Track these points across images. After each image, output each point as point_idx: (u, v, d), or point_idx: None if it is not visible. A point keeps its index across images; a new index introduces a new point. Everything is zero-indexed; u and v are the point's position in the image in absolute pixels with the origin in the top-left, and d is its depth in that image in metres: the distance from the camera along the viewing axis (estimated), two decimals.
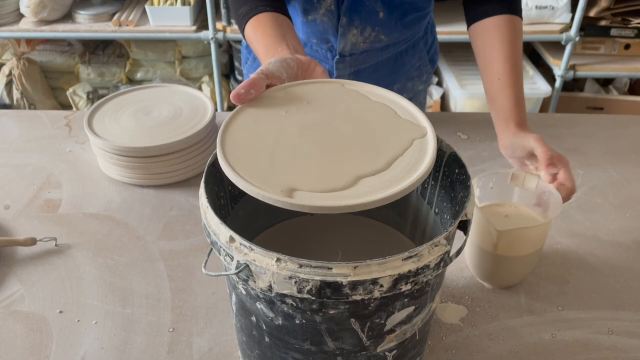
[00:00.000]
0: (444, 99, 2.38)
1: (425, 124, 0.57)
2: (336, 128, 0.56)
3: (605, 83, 2.42)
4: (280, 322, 0.52)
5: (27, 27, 2.19)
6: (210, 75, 2.43)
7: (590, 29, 2.10)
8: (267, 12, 0.80)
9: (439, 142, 0.61)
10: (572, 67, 2.12)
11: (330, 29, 0.97)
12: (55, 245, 0.85)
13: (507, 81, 0.85)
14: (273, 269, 0.46)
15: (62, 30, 2.19)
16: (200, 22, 2.21)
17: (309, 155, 0.52)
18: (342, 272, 0.45)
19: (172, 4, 2.16)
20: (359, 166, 0.52)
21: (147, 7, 2.14)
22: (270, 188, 0.49)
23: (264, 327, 0.54)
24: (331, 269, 0.45)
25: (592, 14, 2.07)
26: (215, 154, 0.59)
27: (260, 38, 0.77)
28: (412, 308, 0.52)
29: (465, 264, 0.81)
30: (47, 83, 2.52)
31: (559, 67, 2.11)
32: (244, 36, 0.84)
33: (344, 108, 0.59)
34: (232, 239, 0.48)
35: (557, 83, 2.14)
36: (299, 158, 0.52)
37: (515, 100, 0.85)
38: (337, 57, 1.01)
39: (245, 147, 0.53)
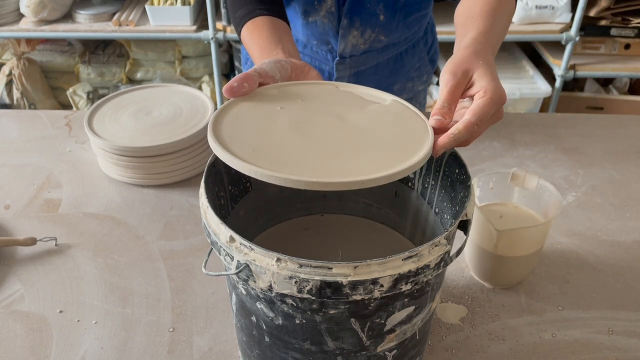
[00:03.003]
0: None
1: (421, 117, 0.58)
2: (331, 122, 0.56)
3: (605, 83, 2.42)
4: (280, 322, 0.52)
5: (27, 27, 2.19)
6: (210, 75, 2.43)
7: (590, 28, 2.10)
8: (265, 16, 0.80)
9: None
10: (572, 67, 2.12)
11: (331, 30, 0.97)
12: (55, 245, 0.85)
13: (481, 14, 0.68)
14: (273, 269, 0.46)
15: (62, 30, 2.19)
16: (200, 22, 2.21)
17: (303, 146, 0.52)
18: (342, 272, 0.45)
19: (172, 4, 2.16)
20: (355, 154, 0.51)
21: (147, 7, 2.14)
22: (269, 167, 0.48)
23: (264, 327, 0.54)
24: (331, 268, 0.45)
25: (592, 13, 2.07)
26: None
27: (256, 41, 0.77)
28: (412, 308, 0.52)
29: (465, 264, 0.81)
30: (47, 83, 2.52)
31: (559, 67, 2.11)
32: (240, 39, 0.84)
33: (339, 105, 0.59)
34: (232, 239, 0.48)
35: (557, 83, 2.14)
36: (294, 148, 0.52)
37: (485, 27, 0.66)
38: (337, 58, 1.01)
39: (239, 135, 0.53)
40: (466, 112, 0.55)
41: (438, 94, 0.59)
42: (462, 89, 0.58)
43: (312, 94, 0.61)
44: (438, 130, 0.55)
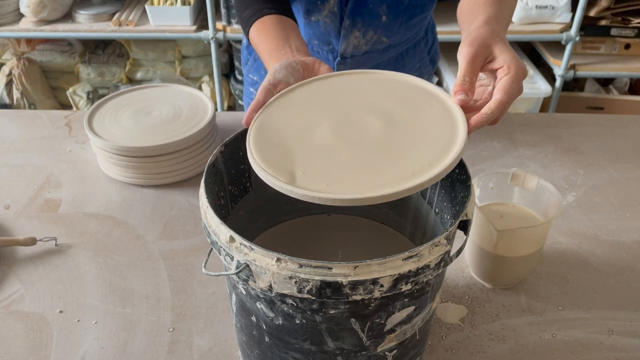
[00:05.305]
0: None
1: (446, 98, 0.57)
2: (362, 120, 0.56)
3: (605, 83, 2.42)
4: (280, 322, 0.52)
5: (27, 27, 2.19)
6: (210, 75, 2.43)
7: (590, 28, 2.10)
8: (272, 15, 0.81)
9: None
10: (573, 67, 2.12)
11: (333, 30, 0.97)
12: (55, 245, 0.85)
13: (487, 1, 0.69)
14: (273, 269, 0.46)
15: (62, 30, 2.19)
16: (200, 21, 2.21)
17: (346, 156, 0.52)
18: (342, 272, 0.45)
19: (172, 4, 2.16)
20: (397, 155, 0.52)
21: (147, 6, 2.14)
22: (312, 187, 0.49)
23: (264, 327, 0.54)
24: (331, 269, 0.45)
25: (592, 13, 2.07)
26: (216, 154, 0.59)
27: (264, 42, 0.78)
28: (412, 308, 0.52)
29: (465, 264, 0.81)
30: (47, 83, 2.52)
31: (559, 67, 2.11)
32: (248, 40, 0.84)
33: (369, 100, 0.59)
34: (232, 239, 0.48)
35: (557, 83, 2.14)
36: (338, 160, 0.52)
37: (494, 12, 0.67)
38: (339, 58, 1.01)
39: (281, 158, 0.53)
40: (495, 91, 0.56)
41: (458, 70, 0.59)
42: (481, 60, 0.58)
43: (332, 89, 0.61)
44: (462, 108, 0.56)
